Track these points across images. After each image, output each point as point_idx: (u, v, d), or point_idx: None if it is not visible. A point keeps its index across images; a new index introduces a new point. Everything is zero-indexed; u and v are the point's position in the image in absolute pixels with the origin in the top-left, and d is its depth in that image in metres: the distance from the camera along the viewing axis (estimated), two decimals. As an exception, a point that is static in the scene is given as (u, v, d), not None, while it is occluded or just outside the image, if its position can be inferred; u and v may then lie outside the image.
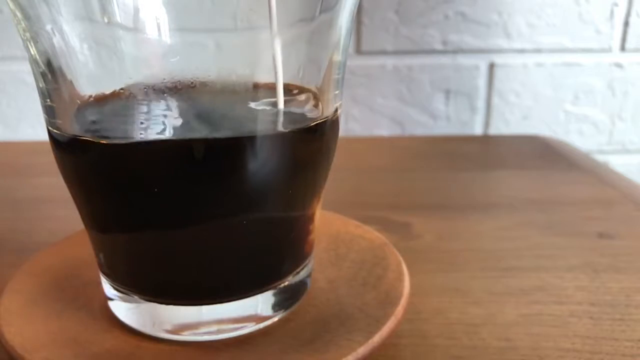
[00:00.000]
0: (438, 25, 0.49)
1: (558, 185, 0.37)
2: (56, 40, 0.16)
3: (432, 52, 0.50)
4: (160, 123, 0.17)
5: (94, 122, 0.18)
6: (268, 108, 0.17)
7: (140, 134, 0.17)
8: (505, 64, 0.51)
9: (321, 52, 0.18)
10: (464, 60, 0.51)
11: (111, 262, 0.19)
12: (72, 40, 0.16)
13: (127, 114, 0.17)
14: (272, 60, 0.16)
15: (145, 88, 0.17)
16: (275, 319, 0.19)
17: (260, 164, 0.17)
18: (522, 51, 0.50)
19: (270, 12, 0.16)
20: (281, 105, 0.17)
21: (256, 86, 0.18)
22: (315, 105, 0.19)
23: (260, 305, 0.19)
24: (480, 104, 0.52)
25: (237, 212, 0.17)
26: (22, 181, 0.39)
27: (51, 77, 0.17)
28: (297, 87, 0.18)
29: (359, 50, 0.50)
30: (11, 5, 0.16)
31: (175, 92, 0.17)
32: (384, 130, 0.53)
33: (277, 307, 0.19)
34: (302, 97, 0.18)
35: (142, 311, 0.19)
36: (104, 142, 0.16)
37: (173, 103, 0.17)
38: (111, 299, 0.20)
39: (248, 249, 0.18)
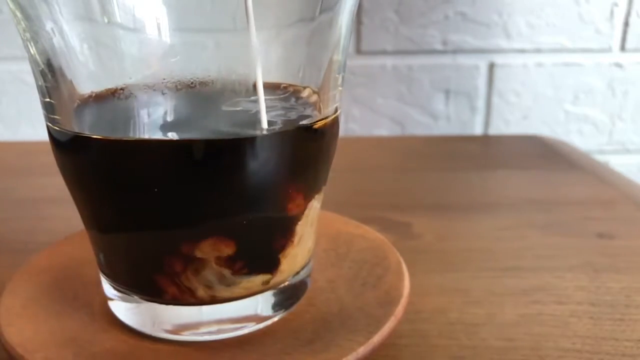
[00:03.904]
0: (438, 25, 0.49)
1: (558, 185, 0.37)
2: (56, 40, 0.16)
3: (432, 52, 0.50)
4: (159, 123, 0.17)
5: (93, 119, 0.18)
6: (268, 108, 0.17)
7: (140, 133, 0.17)
8: (505, 64, 0.51)
9: (321, 52, 0.18)
10: (464, 60, 0.51)
11: (111, 262, 0.19)
12: (72, 40, 0.16)
13: (127, 113, 0.17)
14: (253, 61, 0.16)
15: (145, 88, 0.17)
16: (275, 319, 0.19)
17: (260, 163, 0.17)
18: (522, 51, 0.50)
19: (248, 14, 0.15)
20: (263, 106, 0.16)
21: (255, 86, 0.18)
22: (315, 105, 0.19)
23: (260, 305, 0.19)
24: (480, 104, 0.52)
25: (237, 212, 0.17)
26: (22, 181, 0.39)
27: (51, 76, 0.17)
28: (297, 86, 0.18)
29: (359, 50, 0.50)
30: (11, 5, 0.16)
31: (175, 92, 0.17)
32: (384, 130, 0.53)
33: (277, 307, 0.19)
34: (302, 96, 0.18)
35: (142, 311, 0.19)
36: (103, 139, 0.16)
37: (173, 103, 0.17)
38: (111, 299, 0.20)
39: (248, 249, 0.18)
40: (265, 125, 0.16)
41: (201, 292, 0.18)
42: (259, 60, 0.16)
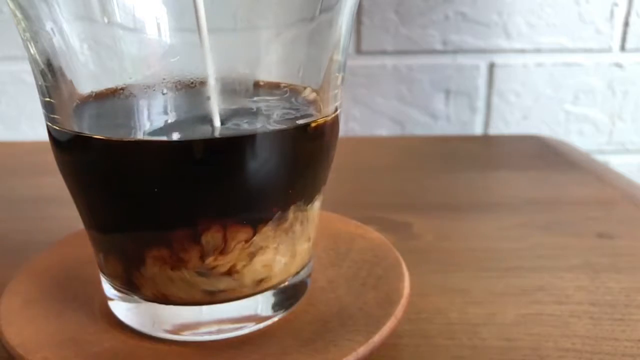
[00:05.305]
0: (438, 25, 0.49)
1: (558, 185, 0.37)
2: (56, 40, 0.16)
3: (432, 52, 0.50)
4: (159, 122, 0.17)
5: (93, 119, 0.18)
6: (268, 107, 0.17)
7: (139, 132, 0.17)
8: (505, 64, 0.51)
9: (321, 52, 0.18)
10: (464, 60, 0.51)
11: (111, 262, 0.19)
12: (72, 40, 0.16)
13: (127, 112, 0.17)
14: (207, 61, 0.16)
15: (145, 88, 0.17)
16: (275, 319, 0.19)
17: (261, 163, 0.17)
18: (522, 51, 0.50)
19: (198, 14, 0.15)
20: (215, 103, 0.16)
21: (256, 86, 0.18)
22: (315, 105, 0.19)
23: (260, 305, 0.19)
24: (480, 104, 0.52)
25: (237, 212, 0.17)
26: (22, 181, 0.39)
27: (51, 76, 0.17)
28: (297, 86, 0.18)
29: (359, 50, 0.50)
30: (11, 5, 0.16)
31: (175, 92, 0.17)
32: (384, 130, 0.53)
33: (277, 307, 0.19)
34: (302, 96, 0.18)
35: (142, 311, 0.19)
36: (103, 139, 0.16)
37: (173, 102, 0.17)
38: (111, 299, 0.20)
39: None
40: (217, 124, 0.16)
41: (200, 291, 0.18)
42: (211, 60, 0.16)
